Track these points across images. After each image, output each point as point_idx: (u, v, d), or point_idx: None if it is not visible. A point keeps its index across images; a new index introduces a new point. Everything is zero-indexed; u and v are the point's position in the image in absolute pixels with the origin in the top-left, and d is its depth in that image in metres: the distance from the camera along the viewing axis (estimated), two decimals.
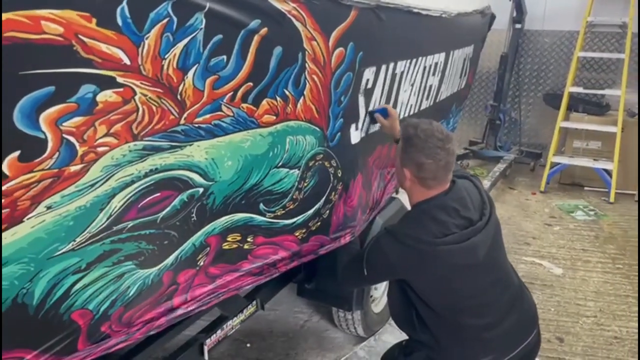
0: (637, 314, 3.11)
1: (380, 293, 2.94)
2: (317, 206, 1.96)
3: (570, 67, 5.51)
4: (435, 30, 2.79)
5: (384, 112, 2.20)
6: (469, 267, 1.67)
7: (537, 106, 6.26)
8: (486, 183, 4.80)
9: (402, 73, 2.49)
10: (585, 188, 5.52)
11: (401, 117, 2.72)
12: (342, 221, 2.17)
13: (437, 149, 1.65)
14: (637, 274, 3.61)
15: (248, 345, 2.79)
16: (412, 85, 2.73)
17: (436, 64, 3.01)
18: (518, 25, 5.77)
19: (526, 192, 5.39)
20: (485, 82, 6.50)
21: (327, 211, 2.04)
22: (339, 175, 2.02)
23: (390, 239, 1.66)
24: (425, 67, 2.83)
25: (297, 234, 1.93)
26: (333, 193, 2.03)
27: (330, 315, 2.85)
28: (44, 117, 0.96)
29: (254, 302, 2.31)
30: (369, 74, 2.09)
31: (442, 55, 3.10)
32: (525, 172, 6.05)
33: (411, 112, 2.87)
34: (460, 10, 3.16)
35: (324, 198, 1.98)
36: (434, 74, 3.04)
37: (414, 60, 2.61)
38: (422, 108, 3.03)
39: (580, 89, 5.51)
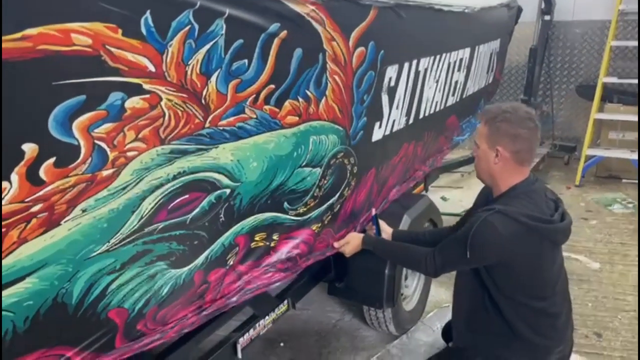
0: None
1: (411, 291, 2.94)
2: (331, 201, 2.00)
3: (603, 57, 5.38)
4: (459, 25, 2.78)
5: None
6: (557, 250, 1.75)
7: (570, 99, 6.13)
8: None
9: (425, 70, 2.49)
10: (623, 180, 5.38)
11: (427, 114, 2.72)
12: (348, 215, 2.20)
13: (527, 120, 1.68)
14: None
15: (282, 344, 2.83)
16: (437, 81, 2.72)
17: (461, 59, 3.00)
18: (547, 17, 5.67)
19: (560, 186, 5.28)
20: (515, 76, 6.40)
21: (339, 205, 2.08)
22: (355, 171, 2.05)
23: (503, 217, 1.62)
24: (450, 63, 2.83)
25: (313, 227, 1.96)
26: (347, 189, 2.06)
27: (362, 314, 2.86)
28: (76, 125, 1.01)
29: (285, 302, 2.34)
30: (391, 72, 2.10)
31: (467, 50, 3.09)
32: (560, 166, 5.93)
33: (437, 109, 2.86)
34: (484, 4, 3.14)
35: (338, 193, 2.02)
36: (459, 70, 3.03)
37: (438, 57, 2.61)
38: (448, 104, 3.03)
39: (614, 79, 5.37)
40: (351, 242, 2.14)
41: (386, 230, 2.25)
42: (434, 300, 3.13)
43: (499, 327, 1.76)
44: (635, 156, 5.08)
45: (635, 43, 5.50)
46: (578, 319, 2.96)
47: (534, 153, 1.75)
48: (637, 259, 3.69)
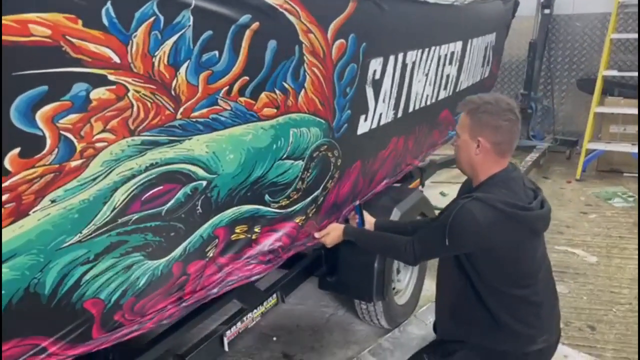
0: None
1: (404, 285, 2.94)
2: (315, 194, 2.00)
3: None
4: (448, 19, 2.77)
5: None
6: (539, 237, 1.75)
7: (572, 93, 6.09)
8: None
9: (413, 63, 2.49)
10: (625, 174, 5.34)
11: (416, 108, 2.72)
12: (331, 207, 2.21)
13: (508, 112, 1.68)
14: None
15: (274, 339, 2.84)
16: (427, 75, 2.72)
17: (452, 53, 2.99)
18: (547, 11, 5.64)
19: (561, 180, 5.26)
20: (515, 70, 6.37)
21: (322, 198, 2.08)
22: (339, 164, 2.05)
23: (481, 204, 1.63)
24: (440, 57, 2.82)
25: (297, 220, 1.97)
26: (330, 181, 2.06)
27: (355, 308, 2.86)
28: (40, 115, 1.02)
29: (274, 295, 2.35)
30: (375, 64, 2.11)
31: (459, 44, 3.08)
32: (561, 160, 5.90)
33: (428, 103, 2.86)
34: None
35: (322, 186, 2.02)
36: (450, 64, 3.02)
37: (427, 50, 2.60)
38: (439, 98, 3.02)
39: (614, 72, 5.33)
40: (332, 233, 2.15)
41: (369, 221, 2.25)
42: (428, 294, 3.13)
43: (482, 316, 1.76)
44: (636, 149, 5.04)
45: (636, 35, 5.47)
46: (573, 313, 2.95)
47: (514, 144, 1.75)
48: (635, 252, 3.66)
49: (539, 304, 1.77)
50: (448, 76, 3.05)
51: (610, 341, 2.69)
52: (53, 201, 1.14)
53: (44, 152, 1.07)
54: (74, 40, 1.01)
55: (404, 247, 1.86)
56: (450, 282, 1.86)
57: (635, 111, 5.07)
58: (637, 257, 3.59)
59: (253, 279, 1.83)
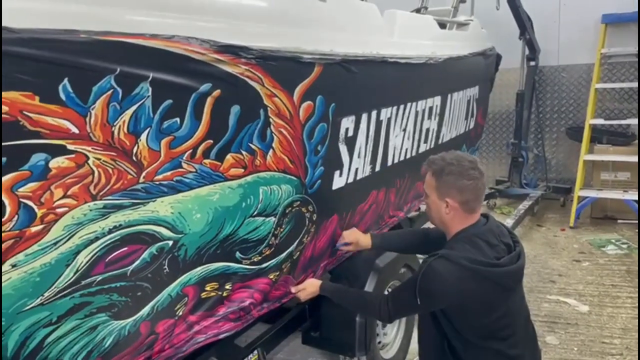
0: None
1: (390, 339, 2.91)
2: (290, 249, 2.03)
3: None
4: (424, 75, 2.86)
5: (345, 244, 2.37)
6: (511, 292, 1.75)
7: (563, 141, 6.17)
8: (509, 222, 4.69)
9: (389, 119, 2.57)
10: (619, 221, 5.33)
11: (396, 161, 2.78)
12: (308, 261, 2.23)
13: (471, 170, 1.74)
14: None
15: None
16: (404, 130, 2.79)
17: (431, 107, 3.07)
18: (532, 63, 5.80)
19: (555, 228, 5.25)
20: (506, 120, 6.47)
21: (298, 252, 2.10)
22: (314, 219, 2.09)
23: (446, 262, 1.66)
24: (418, 112, 2.90)
25: (271, 276, 1.98)
26: (306, 236, 2.09)
27: None
28: None
29: (255, 352, 2.34)
30: (347, 123, 2.18)
31: (438, 98, 3.17)
32: (556, 208, 5.91)
33: (407, 156, 2.92)
34: (452, 54, 3.24)
35: (297, 241, 2.05)
36: (429, 118, 3.10)
37: (402, 106, 2.68)
38: (420, 151, 3.08)
39: (601, 120, 5.43)
40: (307, 289, 2.17)
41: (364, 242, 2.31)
42: (417, 347, 3.09)
43: None
44: (628, 196, 5.06)
45: (621, 85, 5.60)
46: None
47: (481, 199, 1.81)
48: (627, 300, 3.62)
49: (517, 357, 1.76)
50: (428, 130, 3.12)
51: None
52: (14, 266, 1.18)
53: (4, 219, 1.12)
54: (31, 114, 1.08)
55: (379, 306, 1.88)
56: (429, 337, 1.88)
57: (625, 158, 5.12)
58: (629, 305, 3.55)
59: (221, 336, 1.83)
